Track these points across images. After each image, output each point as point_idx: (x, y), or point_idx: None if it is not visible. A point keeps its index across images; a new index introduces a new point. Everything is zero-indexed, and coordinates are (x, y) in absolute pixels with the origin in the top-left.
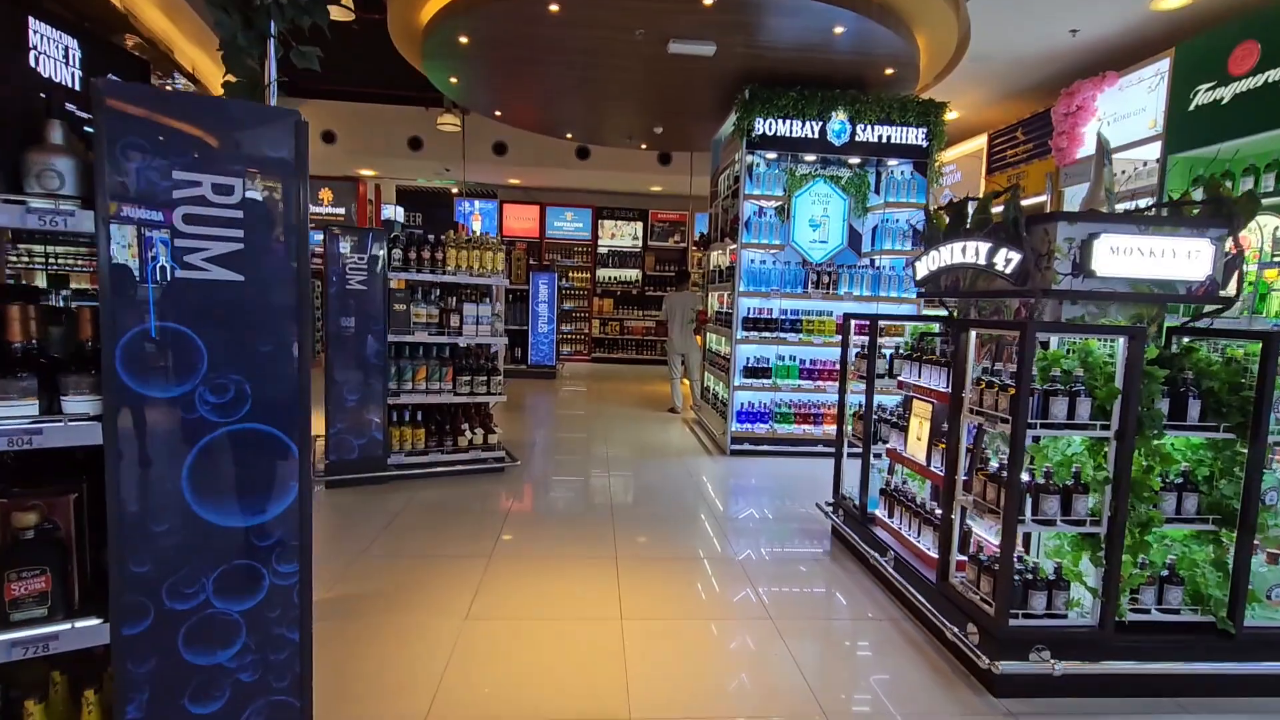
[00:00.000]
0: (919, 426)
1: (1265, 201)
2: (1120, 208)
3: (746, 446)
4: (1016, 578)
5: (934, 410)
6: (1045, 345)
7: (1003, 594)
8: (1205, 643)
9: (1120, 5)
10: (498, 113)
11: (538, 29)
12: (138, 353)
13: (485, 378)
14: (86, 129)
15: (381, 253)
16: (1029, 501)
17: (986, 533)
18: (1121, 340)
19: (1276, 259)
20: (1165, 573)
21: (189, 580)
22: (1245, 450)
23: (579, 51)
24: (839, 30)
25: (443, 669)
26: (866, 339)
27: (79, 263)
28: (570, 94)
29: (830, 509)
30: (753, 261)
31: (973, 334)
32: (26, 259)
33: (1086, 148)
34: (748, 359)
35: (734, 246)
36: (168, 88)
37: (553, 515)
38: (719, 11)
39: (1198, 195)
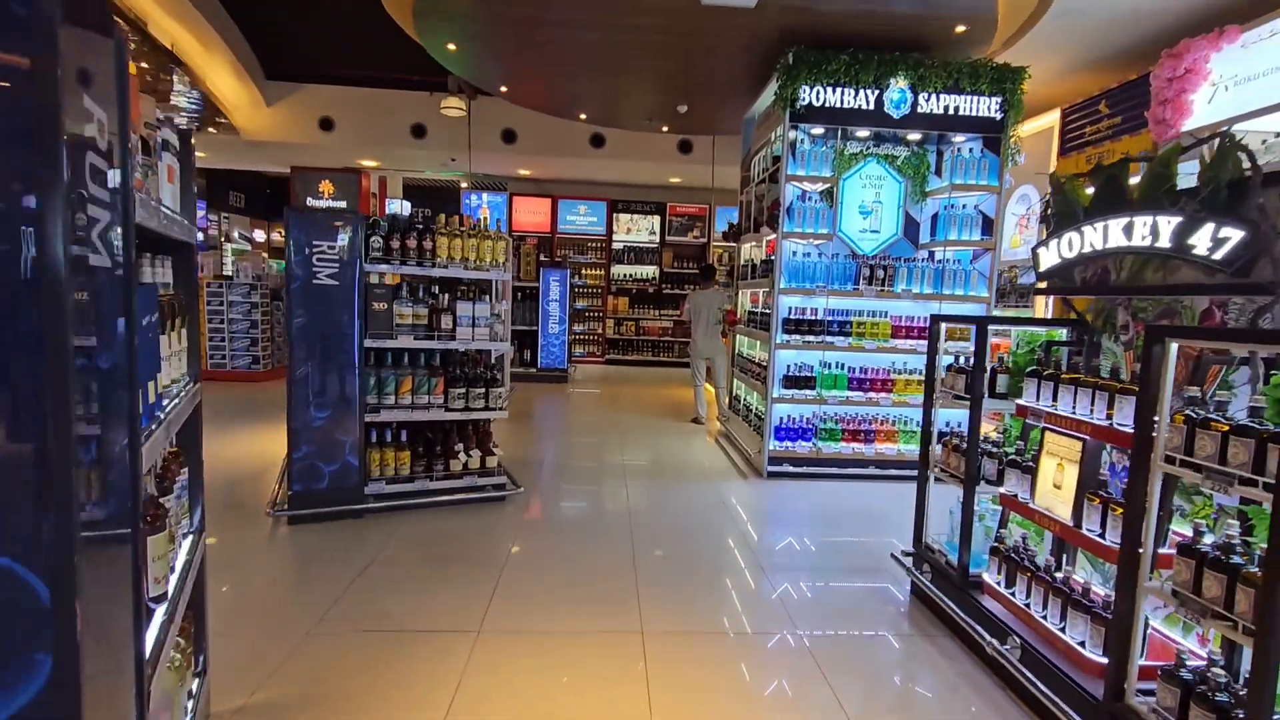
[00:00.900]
0: (1057, 471)
1: None
2: None
3: (786, 468)
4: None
5: (1085, 450)
6: (1275, 366)
7: None
8: None
9: None
10: (504, 88)
11: None
12: None
13: (483, 390)
14: None
15: (351, 240)
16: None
17: (1174, 630)
18: None
19: None
20: None
21: None
22: None
23: (595, 8)
24: None
25: None
26: (946, 345)
27: None
28: (585, 64)
29: (911, 562)
30: (794, 254)
31: (1173, 347)
32: None
33: (1196, 118)
34: (788, 366)
35: (772, 236)
36: None
37: (560, 565)
38: None
39: None
